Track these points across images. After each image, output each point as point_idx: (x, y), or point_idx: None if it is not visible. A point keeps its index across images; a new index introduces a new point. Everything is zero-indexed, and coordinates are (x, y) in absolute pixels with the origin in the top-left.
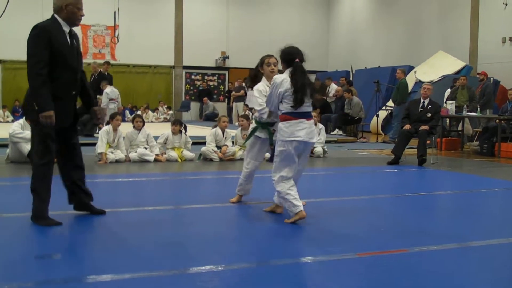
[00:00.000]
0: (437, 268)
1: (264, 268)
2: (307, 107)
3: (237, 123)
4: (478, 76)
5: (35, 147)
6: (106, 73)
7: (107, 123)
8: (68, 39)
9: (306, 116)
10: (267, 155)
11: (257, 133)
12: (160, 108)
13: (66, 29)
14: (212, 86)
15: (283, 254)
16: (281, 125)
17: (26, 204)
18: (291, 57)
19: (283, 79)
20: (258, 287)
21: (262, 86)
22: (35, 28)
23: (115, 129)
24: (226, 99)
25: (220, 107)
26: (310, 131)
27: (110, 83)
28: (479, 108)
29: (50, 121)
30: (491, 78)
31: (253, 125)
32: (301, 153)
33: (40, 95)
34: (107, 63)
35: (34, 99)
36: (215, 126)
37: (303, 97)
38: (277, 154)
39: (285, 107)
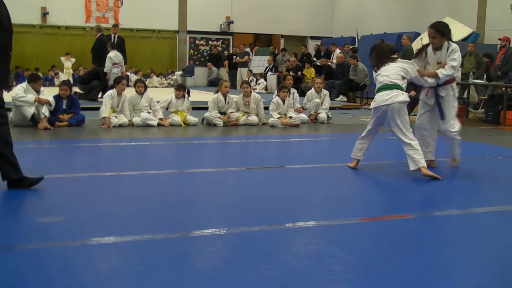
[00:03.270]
0: (439, 234)
1: (264, 232)
2: None
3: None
4: (499, 41)
5: None
6: (116, 37)
7: (112, 87)
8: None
9: None
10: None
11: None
12: (170, 75)
13: None
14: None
15: (283, 219)
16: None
17: (30, 167)
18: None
19: None
20: (259, 250)
21: None
22: None
23: (119, 94)
24: (227, 65)
25: (225, 73)
26: None
27: (121, 47)
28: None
29: None
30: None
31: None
32: None
33: None
34: (115, 25)
35: None
36: (217, 92)
37: None
38: (454, 106)
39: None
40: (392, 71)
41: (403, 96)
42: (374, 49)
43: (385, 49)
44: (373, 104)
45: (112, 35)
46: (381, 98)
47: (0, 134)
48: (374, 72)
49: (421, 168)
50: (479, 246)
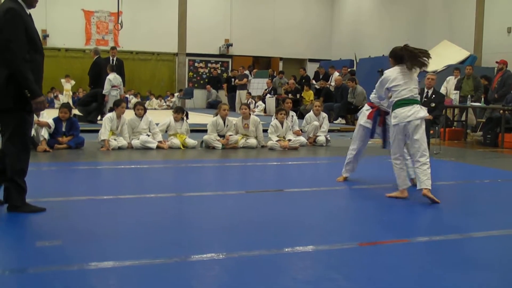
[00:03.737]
0: (438, 258)
1: (263, 256)
2: None
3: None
4: (497, 64)
5: (14, 137)
6: (114, 59)
7: (111, 110)
8: (32, 22)
9: None
10: None
11: None
12: (169, 97)
13: (27, 11)
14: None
15: (282, 243)
16: None
17: (28, 190)
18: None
19: None
20: (258, 275)
21: None
22: (10, 11)
23: (119, 116)
24: (226, 87)
25: (224, 95)
26: None
27: (120, 70)
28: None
29: (42, 107)
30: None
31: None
32: None
33: (30, 81)
34: (113, 48)
35: (25, 86)
36: (216, 115)
37: None
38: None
39: None
40: (414, 84)
41: (424, 112)
42: (404, 49)
43: (416, 53)
44: (394, 121)
45: (111, 58)
46: (403, 114)
47: (20, 160)
48: (385, 82)
49: (423, 189)
50: (480, 270)
